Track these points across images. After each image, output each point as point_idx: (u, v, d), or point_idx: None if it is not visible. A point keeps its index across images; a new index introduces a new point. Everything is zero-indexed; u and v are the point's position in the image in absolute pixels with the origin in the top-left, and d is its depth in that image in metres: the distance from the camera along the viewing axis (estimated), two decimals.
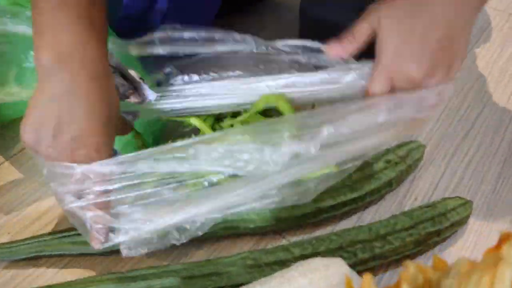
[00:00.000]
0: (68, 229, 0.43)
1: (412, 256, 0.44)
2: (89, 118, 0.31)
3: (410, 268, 0.25)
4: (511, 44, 0.70)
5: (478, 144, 0.57)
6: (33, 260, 0.44)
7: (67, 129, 0.31)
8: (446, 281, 0.21)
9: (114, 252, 0.40)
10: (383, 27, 0.36)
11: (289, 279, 0.32)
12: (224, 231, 0.44)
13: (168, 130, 0.51)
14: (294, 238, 0.45)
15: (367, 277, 0.24)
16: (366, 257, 0.41)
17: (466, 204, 0.47)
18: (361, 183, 0.47)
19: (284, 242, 0.45)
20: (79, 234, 0.39)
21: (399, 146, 0.51)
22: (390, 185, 0.49)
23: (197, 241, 0.45)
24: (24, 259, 0.44)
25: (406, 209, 0.48)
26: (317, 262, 0.32)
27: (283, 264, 0.39)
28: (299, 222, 0.46)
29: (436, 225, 0.44)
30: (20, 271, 0.43)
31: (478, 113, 0.60)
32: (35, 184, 0.50)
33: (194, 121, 0.46)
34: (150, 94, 0.39)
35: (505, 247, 0.19)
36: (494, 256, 0.20)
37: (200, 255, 0.44)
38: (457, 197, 0.48)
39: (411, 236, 0.43)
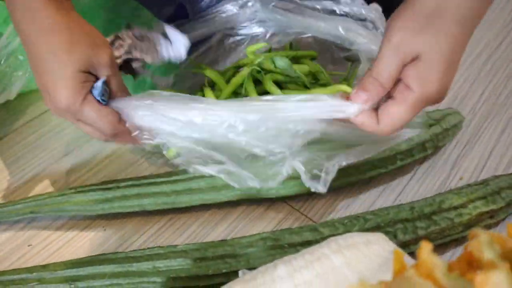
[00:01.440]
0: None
1: (461, 241, 0.38)
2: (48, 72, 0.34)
3: (482, 236, 0.19)
4: None
5: None
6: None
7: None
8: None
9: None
10: (424, 59, 0.31)
11: (320, 257, 0.26)
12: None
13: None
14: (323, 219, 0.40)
15: (426, 244, 0.18)
16: (407, 239, 0.35)
17: None
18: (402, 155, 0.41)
19: (311, 223, 0.39)
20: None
21: (433, 110, 0.44)
22: (424, 149, 0.43)
23: (213, 222, 0.40)
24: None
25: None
26: (355, 238, 0.26)
27: (310, 245, 0.33)
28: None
29: (489, 205, 0.38)
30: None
31: None
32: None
33: (210, 74, 0.42)
34: (182, 46, 0.38)
35: None
36: None
37: (215, 236, 0.39)
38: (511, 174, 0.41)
39: (461, 217, 0.37)
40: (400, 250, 0.22)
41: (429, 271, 0.18)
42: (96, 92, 0.34)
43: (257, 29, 0.48)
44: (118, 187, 0.40)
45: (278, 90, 0.41)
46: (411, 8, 0.32)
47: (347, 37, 0.42)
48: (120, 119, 0.35)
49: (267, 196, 0.39)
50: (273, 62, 0.41)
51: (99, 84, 0.35)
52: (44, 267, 0.36)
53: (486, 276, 0.15)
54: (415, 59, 0.31)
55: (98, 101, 0.35)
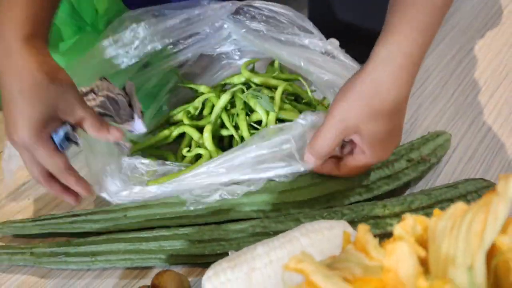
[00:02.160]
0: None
1: None
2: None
3: (409, 219, 0.24)
4: None
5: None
6: None
7: None
8: (440, 223, 0.21)
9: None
10: (365, 139, 0.37)
11: (291, 239, 0.32)
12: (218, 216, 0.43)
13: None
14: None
15: (362, 226, 0.24)
16: (377, 233, 0.40)
17: (490, 186, 0.45)
18: (379, 183, 0.44)
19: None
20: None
21: (426, 141, 0.48)
22: (408, 186, 0.47)
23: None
24: None
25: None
26: (320, 224, 0.32)
27: None
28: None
29: None
30: None
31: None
32: None
33: (204, 89, 0.48)
34: (141, 128, 0.44)
35: (501, 183, 0.19)
36: (489, 195, 0.19)
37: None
38: (481, 179, 0.46)
39: (428, 216, 0.42)
40: (350, 231, 0.28)
41: (363, 246, 0.23)
42: (56, 138, 0.37)
43: (230, 47, 0.54)
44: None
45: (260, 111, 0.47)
46: (353, 87, 0.37)
47: (305, 67, 0.47)
48: (69, 166, 0.38)
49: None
50: (258, 99, 0.46)
51: (60, 132, 0.37)
52: (69, 242, 0.43)
53: (393, 245, 0.20)
54: (358, 131, 0.37)
55: (57, 146, 0.37)
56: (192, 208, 0.40)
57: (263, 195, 0.41)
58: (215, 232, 0.40)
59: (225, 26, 0.51)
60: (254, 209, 0.41)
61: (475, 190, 0.45)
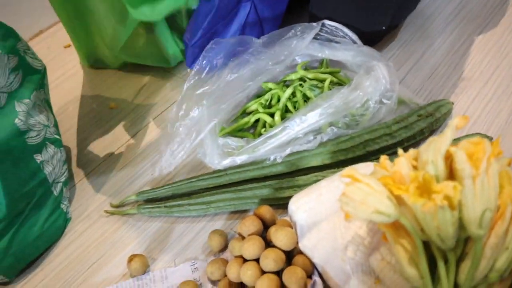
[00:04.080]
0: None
1: None
2: None
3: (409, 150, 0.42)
4: None
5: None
6: None
7: None
8: (423, 147, 0.38)
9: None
10: None
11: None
12: (290, 168, 0.62)
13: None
14: None
15: (384, 156, 0.42)
16: None
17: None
18: (399, 132, 0.63)
19: None
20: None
21: (429, 104, 0.66)
22: (423, 133, 0.65)
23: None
24: None
25: None
26: (361, 164, 0.51)
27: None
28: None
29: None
30: None
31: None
32: None
33: (271, 85, 0.69)
34: None
35: (452, 120, 0.36)
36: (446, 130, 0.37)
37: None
38: (478, 133, 0.63)
39: None
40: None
41: (384, 165, 0.42)
42: None
43: None
44: None
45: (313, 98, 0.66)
46: None
47: (352, 61, 0.66)
48: None
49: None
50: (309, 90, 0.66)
51: None
52: (190, 196, 0.63)
53: (398, 159, 0.39)
54: None
55: None
56: (272, 159, 0.60)
57: (321, 152, 0.60)
58: (290, 182, 0.60)
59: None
60: (316, 162, 0.60)
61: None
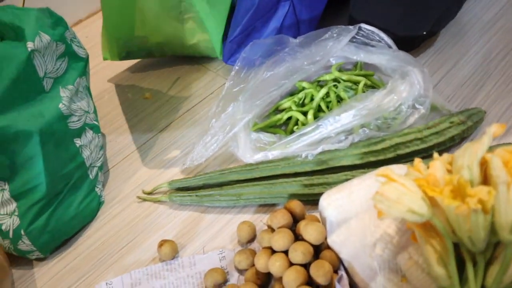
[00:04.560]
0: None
1: None
2: None
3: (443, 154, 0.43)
4: None
5: None
6: None
7: None
8: (458, 152, 0.39)
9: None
10: None
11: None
12: (320, 166, 0.63)
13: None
14: None
15: (418, 158, 0.43)
16: None
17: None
18: (430, 137, 0.64)
19: None
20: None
21: (462, 111, 0.67)
22: (454, 140, 0.65)
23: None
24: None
25: None
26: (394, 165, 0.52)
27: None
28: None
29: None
30: None
31: None
32: None
33: (305, 85, 0.70)
34: None
35: (490, 127, 0.37)
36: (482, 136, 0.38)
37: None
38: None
39: None
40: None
41: (418, 168, 0.43)
42: None
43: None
44: None
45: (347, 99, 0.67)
46: None
47: (387, 65, 0.67)
48: None
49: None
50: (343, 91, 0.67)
51: None
52: (221, 188, 0.65)
53: (433, 162, 0.40)
54: None
55: None
56: (303, 156, 0.61)
57: (352, 152, 0.62)
58: (320, 179, 0.61)
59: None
60: (346, 162, 0.61)
61: None
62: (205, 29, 0.76)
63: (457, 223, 0.37)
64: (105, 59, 0.86)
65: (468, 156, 0.38)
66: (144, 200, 0.69)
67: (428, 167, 0.41)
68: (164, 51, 0.85)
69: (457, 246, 0.39)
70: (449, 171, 0.40)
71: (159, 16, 0.76)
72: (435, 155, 0.40)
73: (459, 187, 0.37)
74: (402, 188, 0.38)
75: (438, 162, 0.39)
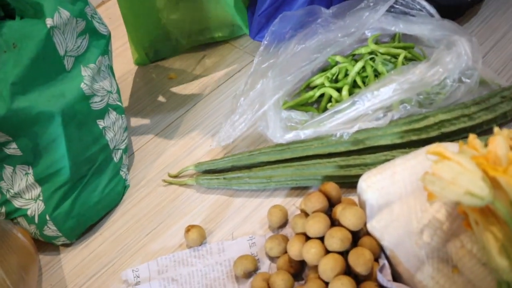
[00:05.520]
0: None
1: None
2: None
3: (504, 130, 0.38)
4: None
5: None
6: None
7: None
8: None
9: None
10: None
11: (420, 152, 0.47)
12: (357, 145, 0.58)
13: None
14: None
15: (472, 135, 0.38)
16: None
17: None
18: (479, 113, 0.58)
19: None
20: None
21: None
22: (505, 117, 0.60)
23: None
24: None
25: None
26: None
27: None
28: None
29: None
30: None
31: None
32: None
33: (339, 59, 0.66)
34: None
35: None
36: None
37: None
38: None
39: None
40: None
41: (473, 145, 0.38)
42: None
43: None
44: None
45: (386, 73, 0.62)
46: None
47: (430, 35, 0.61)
48: None
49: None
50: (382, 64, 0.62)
51: None
52: (250, 170, 0.61)
53: (494, 137, 0.35)
54: None
55: None
56: (338, 136, 0.57)
57: (392, 130, 0.57)
58: (357, 160, 0.57)
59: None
60: (385, 141, 0.57)
61: None
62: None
63: None
64: (136, 63, 0.84)
65: None
66: (170, 183, 0.66)
67: (485, 145, 0.36)
68: (189, 38, 0.81)
69: None
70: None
71: None
72: (496, 129, 0.35)
73: None
74: (458, 167, 0.34)
75: (500, 138, 0.34)
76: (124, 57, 0.86)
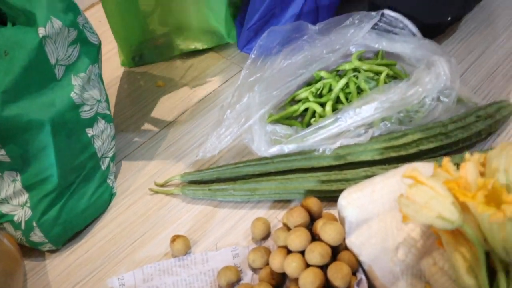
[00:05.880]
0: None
1: None
2: None
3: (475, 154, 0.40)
4: None
5: None
6: None
7: None
8: (492, 152, 0.36)
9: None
10: None
11: (399, 172, 0.49)
12: (338, 161, 0.60)
13: None
14: None
15: (446, 158, 0.40)
16: None
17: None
18: (455, 132, 0.60)
19: None
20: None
21: (490, 104, 0.63)
22: (480, 135, 0.62)
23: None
24: None
25: None
26: (419, 163, 0.49)
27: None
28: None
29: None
30: None
31: None
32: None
33: (324, 74, 0.67)
34: None
35: None
36: None
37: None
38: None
39: None
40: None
41: (447, 168, 0.40)
42: None
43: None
44: None
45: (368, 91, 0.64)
46: None
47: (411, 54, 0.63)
48: None
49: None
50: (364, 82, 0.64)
51: None
52: (235, 182, 0.63)
53: (465, 163, 0.37)
54: None
55: None
56: (320, 151, 0.58)
57: (372, 147, 0.59)
58: (338, 175, 0.59)
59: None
60: (366, 157, 0.59)
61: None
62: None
63: (491, 231, 0.35)
64: (123, 65, 0.85)
65: (505, 158, 0.35)
66: (157, 192, 0.67)
67: (457, 168, 0.39)
68: (175, 46, 0.82)
69: (487, 255, 0.37)
70: (482, 174, 0.37)
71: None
72: (467, 155, 0.37)
73: (493, 192, 0.34)
74: (431, 191, 0.36)
75: (470, 164, 0.36)
76: (113, 61, 0.87)
